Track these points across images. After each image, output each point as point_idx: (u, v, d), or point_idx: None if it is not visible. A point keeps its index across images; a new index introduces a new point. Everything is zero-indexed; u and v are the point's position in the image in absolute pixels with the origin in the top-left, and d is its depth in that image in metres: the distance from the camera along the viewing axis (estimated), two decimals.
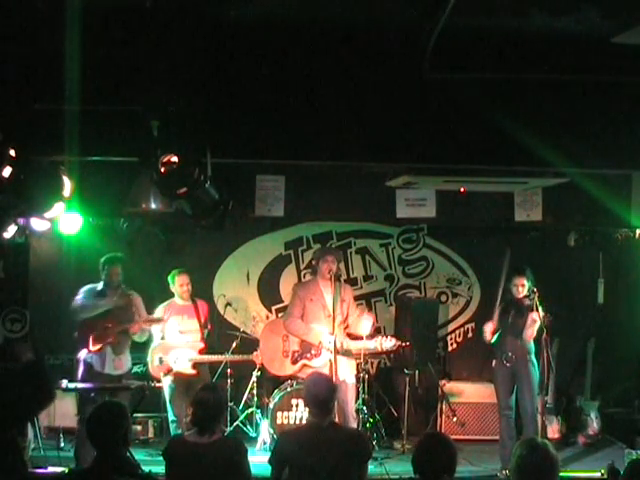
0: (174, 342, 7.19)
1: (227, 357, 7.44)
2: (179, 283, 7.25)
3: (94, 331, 6.69)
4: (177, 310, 7.28)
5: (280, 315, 8.37)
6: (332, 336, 6.57)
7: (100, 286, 6.86)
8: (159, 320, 7.07)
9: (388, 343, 6.69)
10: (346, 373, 6.68)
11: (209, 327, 7.51)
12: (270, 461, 4.58)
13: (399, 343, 6.85)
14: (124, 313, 6.86)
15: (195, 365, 7.18)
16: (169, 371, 7.08)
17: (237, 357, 7.49)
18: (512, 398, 6.93)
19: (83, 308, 6.72)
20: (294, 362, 6.91)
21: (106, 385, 6.65)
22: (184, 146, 4.75)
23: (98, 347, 6.67)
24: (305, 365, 6.81)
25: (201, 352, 7.22)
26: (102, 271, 6.84)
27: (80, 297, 6.77)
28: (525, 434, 6.77)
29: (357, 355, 6.96)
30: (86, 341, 6.69)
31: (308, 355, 6.78)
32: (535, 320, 6.73)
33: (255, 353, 7.44)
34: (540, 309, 6.65)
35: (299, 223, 8.45)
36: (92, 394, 6.48)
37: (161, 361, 7.13)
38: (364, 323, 6.82)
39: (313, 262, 7.09)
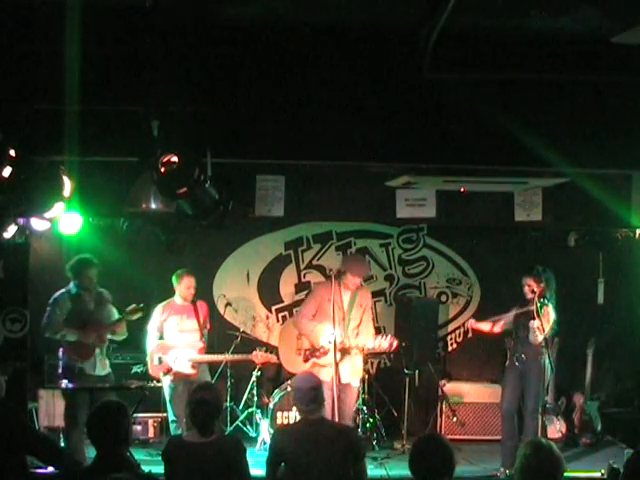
0: (173, 342, 7.18)
1: (227, 357, 7.44)
2: (186, 285, 7.22)
3: (80, 348, 6.68)
4: (176, 310, 7.27)
5: (281, 315, 8.39)
6: (335, 334, 6.55)
7: (74, 289, 6.80)
8: (141, 309, 6.93)
9: (384, 343, 6.68)
10: (351, 376, 6.68)
11: (208, 327, 7.50)
12: (267, 458, 4.63)
13: (396, 343, 6.82)
14: (104, 314, 6.87)
15: (195, 365, 7.17)
16: (168, 371, 7.07)
17: (237, 357, 7.47)
18: (517, 400, 6.95)
19: (48, 326, 6.69)
20: (306, 360, 6.88)
21: (108, 385, 6.67)
22: (184, 146, 4.74)
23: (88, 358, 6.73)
24: (315, 364, 6.77)
25: (201, 352, 7.21)
26: (76, 274, 6.77)
27: (48, 314, 6.71)
28: (525, 432, 6.79)
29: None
30: (75, 356, 6.70)
31: (317, 353, 6.77)
32: (538, 328, 6.72)
33: (255, 353, 7.42)
34: (550, 312, 6.71)
35: (299, 223, 8.45)
36: (85, 396, 6.50)
37: (160, 361, 7.12)
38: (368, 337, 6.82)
39: (341, 268, 6.91)
